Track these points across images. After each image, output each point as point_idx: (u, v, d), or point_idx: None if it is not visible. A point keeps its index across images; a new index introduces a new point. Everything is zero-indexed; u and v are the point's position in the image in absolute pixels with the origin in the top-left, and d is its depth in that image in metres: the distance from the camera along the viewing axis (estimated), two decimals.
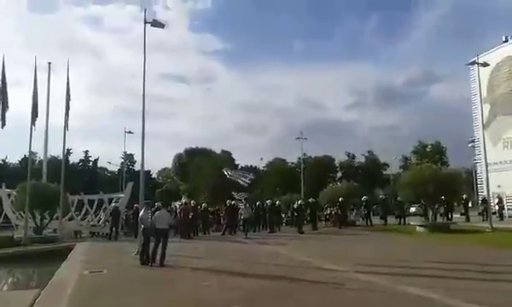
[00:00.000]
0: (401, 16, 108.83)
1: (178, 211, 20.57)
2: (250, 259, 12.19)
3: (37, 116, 19.25)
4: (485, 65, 24.83)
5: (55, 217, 20.57)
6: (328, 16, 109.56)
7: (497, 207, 27.67)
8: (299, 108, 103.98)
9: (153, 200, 15.78)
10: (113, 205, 21.51)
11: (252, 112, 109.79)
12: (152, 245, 10.88)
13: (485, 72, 30.66)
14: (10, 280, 11.91)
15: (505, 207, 28.78)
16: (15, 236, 18.44)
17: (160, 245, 10.72)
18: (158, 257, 10.64)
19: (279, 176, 64.50)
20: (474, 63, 24.97)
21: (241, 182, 27.53)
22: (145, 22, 14.38)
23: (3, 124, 17.63)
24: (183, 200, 21.72)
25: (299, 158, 47.00)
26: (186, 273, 9.74)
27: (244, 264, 10.99)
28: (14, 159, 63.62)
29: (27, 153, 20.08)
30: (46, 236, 19.02)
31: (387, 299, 6.82)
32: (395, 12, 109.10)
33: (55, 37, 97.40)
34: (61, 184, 19.54)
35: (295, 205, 23.50)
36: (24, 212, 19.24)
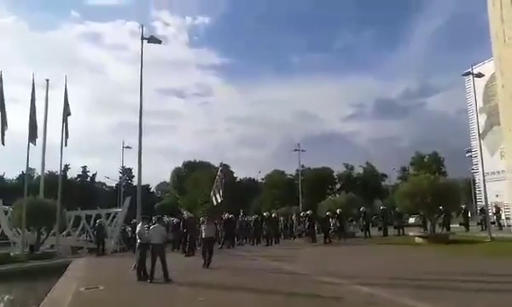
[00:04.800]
0: (398, 28, 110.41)
1: (187, 223, 19.70)
2: (248, 273, 12.11)
3: (36, 133, 19.28)
4: (480, 75, 25.03)
5: (52, 233, 20.44)
6: (326, 30, 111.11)
7: (495, 217, 27.64)
8: (297, 121, 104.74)
9: (152, 215, 15.70)
10: (98, 221, 21.81)
11: (250, 125, 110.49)
12: (148, 260, 10.76)
13: (480, 83, 30.89)
14: (7, 297, 11.76)
15: (503, 216, 28.73)
16: (12, 253, 18.29)
17: (159, 261, 10.54)
18: (156, 273, 10.49)
19: (277, 188, 64.38)
20: (469, 74, 25.18)
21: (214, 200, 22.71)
22: (142, 38, 14.58)
23: (2, 143, 17.63)
24: (188, 214, 21.28)
25: (298, 170, 47.00)
26: (183, 289, 9.62)
27: (242, 278, 10.90)
28: (11, 175, 63.59)
29: (25, 169, 19.98)
30: (43, 252, 18.87)
31: None
32: (392, 25, 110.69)
33: (54, 55, 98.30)
34: (58, 200, 19.46)
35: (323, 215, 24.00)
36: (21, 229, 19.12)
